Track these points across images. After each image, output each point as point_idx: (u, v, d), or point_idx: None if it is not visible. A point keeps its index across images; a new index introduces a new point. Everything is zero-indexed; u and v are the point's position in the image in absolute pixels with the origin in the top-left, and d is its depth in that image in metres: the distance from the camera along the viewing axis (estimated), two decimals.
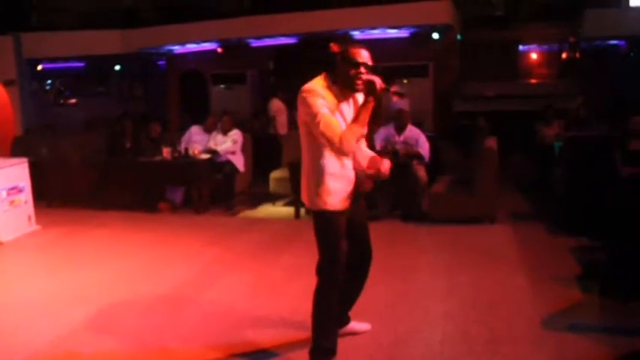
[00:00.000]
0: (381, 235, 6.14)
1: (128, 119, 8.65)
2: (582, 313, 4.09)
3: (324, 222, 3.20)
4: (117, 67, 15.44)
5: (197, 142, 8.06)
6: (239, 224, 7.12)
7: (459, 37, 11.67)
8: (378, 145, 7.22)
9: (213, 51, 12.74)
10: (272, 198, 8.13)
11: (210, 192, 7.77)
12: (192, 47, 12.86)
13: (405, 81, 11.14)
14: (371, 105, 3.08)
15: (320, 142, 3.06)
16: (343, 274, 3.21)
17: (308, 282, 4.76)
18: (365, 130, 3.13)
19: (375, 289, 4.51)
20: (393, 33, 11.21)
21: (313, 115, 3.02)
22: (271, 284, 4.80)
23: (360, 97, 3.20)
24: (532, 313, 4.00)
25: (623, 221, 4.95)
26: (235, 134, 8.01)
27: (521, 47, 12.49)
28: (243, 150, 8.16)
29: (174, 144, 7.96)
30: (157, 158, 7.77)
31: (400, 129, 7.25)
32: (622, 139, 6.11)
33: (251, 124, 10.62)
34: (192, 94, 13.31)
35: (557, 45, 12.37)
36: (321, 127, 3.00)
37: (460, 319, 3.90)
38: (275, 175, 7.96)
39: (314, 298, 3.26)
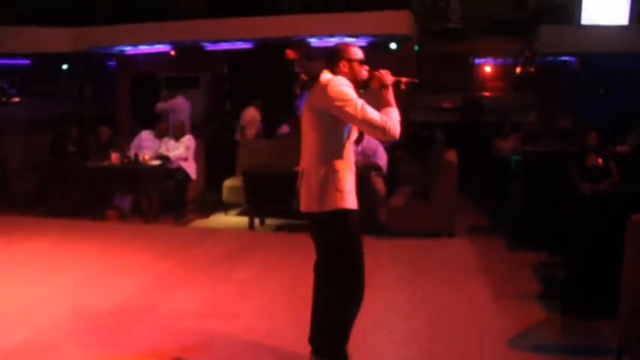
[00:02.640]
0: None
1: (73, 122, 8.27)
2: (546, 331, 4.02)
3: (348, 224, 3.12)
4: (65, 67, 14.87)
5: (147, 147, 7.75)
6: (191, 235, 6.84)
7: (416, 48, 11.68)
8: None
9: (167, 53, 12.39)
10: (225, 207, 7.87)
11: (161, 200, 7.46)
12: (144, 49, 12.46)
13: (362, 90, 11.06)
14: (389, 90, 3.15)
15: (365, 131, 3.14)
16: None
17: (263, 299, 4.58)
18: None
19: None
20: (351, 41, 11.12)
21: (349, 105, 2.98)
22: (224, 301, 4.55)
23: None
24: (497, 332, 3.90)
25: (582, 237, 4.94)
26: (188, 140, 7.74)
27: (477, 60, 12.63)
28: (196, 156, 7.89)
29: (123, 149, 7.61)
30: (105, 163, 7.41)
31: (358, 140, 7.12)
32: (578, 155, 6.13)
33: (204, 129, 10.31)
34: (143, 97, 12.89)
35: (512, 59, 12.56)
36: (363, 114, 2.97)
37: (426, 338, 3.75)
38: (228, 183, 7.72)
39: (331, 308, 3.24)
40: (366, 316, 4.14)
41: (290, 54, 11.93)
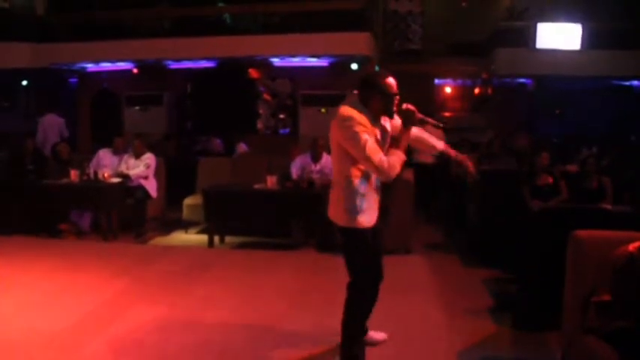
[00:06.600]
0: (297, 264, 6.10)
1: (30, 139, 8.17)
2: (496, 345, 4.11)
3: (356, 239, 3.45)
4: (24, 82, 14.66)
5: (106, 165, 7.69)
6: (150, 253, 6.80)
7: (377, 68, 11.88)
8: (294, 174, 7.15)
9: (129, 71, 12.34)
10: (185, 225, 7.86)
11: (120, 218, 7.41)
12: (106, 66, 12.40)
13: (323, 110, 11.20)
14: (409, 132, 3.38)
15: (365, 166, 3.29)
16: (370, 287, 3.61)
17: (222, 314, 4.60)
18: (404, 156, 3.36)
19: (295, 323, 4.40)
20: (312, 62, 11.28)
21: (357, 142, 3.18)
22: (183, 318, 4.54)
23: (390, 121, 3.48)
24: (448, 347, 3.99)
25: (533, 253, 5.09)
26: (148, 158, 7.70)
27: (436, 81, 12.93)
28: (157, 174, 7.86)
29: (83, 166, 7.53)
30: (64, 181, 7.33)
31: (316, 158, 7.22)
32: (530, 174, 6.32)
33: (164, 147, 10.28)
34: (104, 115, 12.79)
35: (470, 80, 12.90)
36: (368, 152, 3.17)
37: (378, 355, 3.81)
38: (188, 201, 7.71)
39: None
40: (322, 331, 4.22)
41: (253, 73, 12.03)
